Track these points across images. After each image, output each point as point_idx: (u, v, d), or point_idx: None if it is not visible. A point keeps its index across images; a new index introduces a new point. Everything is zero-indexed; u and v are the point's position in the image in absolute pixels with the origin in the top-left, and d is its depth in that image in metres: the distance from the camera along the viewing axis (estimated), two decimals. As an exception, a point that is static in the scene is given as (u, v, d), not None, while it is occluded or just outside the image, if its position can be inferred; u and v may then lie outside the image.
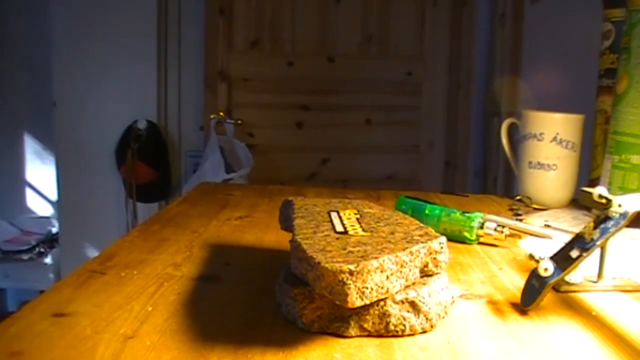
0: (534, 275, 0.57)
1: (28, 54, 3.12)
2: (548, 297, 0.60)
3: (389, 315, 0.50)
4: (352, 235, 0.54)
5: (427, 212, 0.87)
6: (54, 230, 3.05)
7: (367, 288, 0.46)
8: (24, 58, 3.13)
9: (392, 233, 0.55)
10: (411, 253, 0.50)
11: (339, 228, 0.57)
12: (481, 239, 0.83)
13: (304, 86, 2.74)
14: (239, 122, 2.65)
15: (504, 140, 1.17)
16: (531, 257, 0.74)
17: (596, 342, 0.50)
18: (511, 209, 1.06)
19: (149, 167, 2.70)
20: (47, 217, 3.20)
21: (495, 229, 0.81)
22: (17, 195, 3.31)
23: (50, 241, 3.02)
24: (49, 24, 2.73)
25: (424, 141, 2.86)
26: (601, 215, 0.58)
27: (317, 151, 2.77)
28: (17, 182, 3.29)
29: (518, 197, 1.11)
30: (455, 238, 0.83)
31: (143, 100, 2.75)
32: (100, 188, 2.76)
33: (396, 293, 0.50)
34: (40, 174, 3.25)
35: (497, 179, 2.65)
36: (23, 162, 3.28)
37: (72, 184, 2.76)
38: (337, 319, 0.50)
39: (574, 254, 0.57)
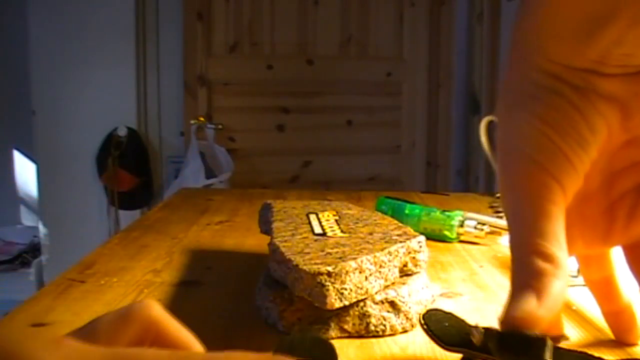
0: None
1: (6, 62, 3.09)
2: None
3: (369, 316, 0.50)
4: (330, 237, 0.54)
5: (407, 211, 0.87)
6: (38, 239, 3.03)
7: (346, 289, 0.46)
8: (2, 66, 3.11)
9: (371, 233, 0.55)
10: (390, 253, 0.50)
11: (318, 230, 0.57)
12: (461, 237, 0.83)
13: (284, 89, 2.74)
14: (220, 126, 2.65)
15: (484, 139, 1.17)
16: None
17: (577, 337, 0.50)
18: (492, 207, 1.06)
19: (130, 174, 2.69)
20: (33, 227, 3.18)
21: (475, 227, 0.82)
22: (4, 205, 3.28)
23: (34, 251, 3.00)
24: (26, 31, 2.71)
25: (405, 142, 2.86)
26: None
27: (298, 154, 2.77)
28: (3, 193, 3.27)
29: (498, 195, 1.11)
30: (435, 237, 0.83)
31: (123, 107, 2.73)
32: (82, 196, 2.74)
33: (376, 293, 0.50)
34: (27, 183, 3.23)
35: (479, 178, 2.66)
36: (11, 173, 3.26)
37: (53, 192, 2.74)
38: (317, 321, 0.49)
39: None
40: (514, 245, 0.37)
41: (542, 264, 0.34)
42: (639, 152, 0.39)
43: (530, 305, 0.34)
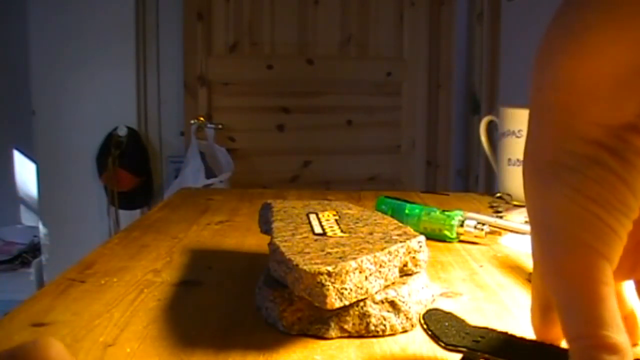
0: None
1: (6, 62, 3.09)
2: (527, 291, 0.60)
3: (369, 316, 0.50)
4: (330, 237, 0.54)
5: (407, 211, 0.87)
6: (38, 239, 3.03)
7: (346, 289, 0.46)
8: (1, 67, 3.11)
9: (371, 233, 0.55)
10: (390, 253, 0.50)
11: (318, 230, 0.57)
12: (461, 237, 0.83)
13: (284, 89, 2.74)
14: (220, 126, 2.65)
15: (483, 138, 1.18)
16: None
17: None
18: (491, 207, 1.06)
19: (130, 174, 2.69)
20: (33, 227, 3.18)
21: (475, 227, 0.82)
22: (4, 205, 3.28)
23: (34, 250, 3.00)
24: (26, 31, 2.71)
25: (405, 141, 2.86)
26: None
27: (298, 154, 2.77)
28: (3, 193, 3.27)
29: (498, 195, 1.12)
30: (435, 237, 0.83)
31: (123, 107, 2.73)
32: (82, 196, 2.74)
33: (376, 293, 0.50)
34: (27, 184, 3.23)
35: (479, 177, 2.67)
36: (11, 173, 3.25)
37: (53, 192, 2.74)
38: (317, 321, 0.49)
39: None
40: (571, 336, 0.35)
41: (610, 357, 0.33)
42: None
43: None
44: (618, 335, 0.33)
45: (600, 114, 0.33)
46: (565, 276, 0.34)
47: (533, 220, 0.37)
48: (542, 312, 0.42)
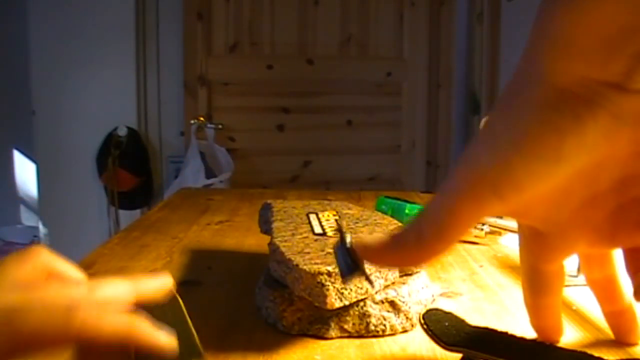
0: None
1: (6, 62, 3.09)
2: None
3: (369, 316, 0.50)
4: (330, 237, 0.54)
5: (407, 211, 0.87)
6: (38, 239, 3.03)
7: (346, 289, 0.46)
8: (1, 67, 3.11)
9: (371, 233, 0.55)
10: (390, 253, 0.50)
11: (318, 230, 0.57)
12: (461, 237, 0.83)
13: (284, 89, 2.74)
14: (220, 126, 2.65)
15: (483, 138, 1.17)
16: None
17: (577, 337, 0.50)
18: (491, 207, 1.06)
19: (131, 174, 2.68)
20: (33, 227, 3.17)
21: (475, 227, 0.82)
22: (4, 205, 3.28)
23: (33, 251, 2.99)
24: (26, 31, 2.71)
25: (405, 141, 2.86)
26: None
27: (298, 154, 2.77)
28: (3, 193, 3.27)
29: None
30: (435, 237, 0.83)
31: (123, 107, 2.73)
32: (82, 196, 2.74)
33: (376, 293, 0.50)
34: (27, 184, 3.23)
35: (479, 177, 2.66)
36: (11, 173, 3.25)
37: (53, 192, 2.74)
38: (317, 321, 0.49)
39: None
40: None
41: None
42: None
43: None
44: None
45: (588, 67, 0.34)
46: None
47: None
48: (532, 293, 0.45)
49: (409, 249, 0.38)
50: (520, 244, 0.44)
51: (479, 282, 0.65)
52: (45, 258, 0.40)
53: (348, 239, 0.40)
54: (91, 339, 0.34)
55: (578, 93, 0.34)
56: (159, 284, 0.41)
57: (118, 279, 0.38)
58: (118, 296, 0.38)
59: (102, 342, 0.34)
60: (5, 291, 0.35)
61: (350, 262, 0.39)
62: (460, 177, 0.37)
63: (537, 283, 0.44)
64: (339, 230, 0.42)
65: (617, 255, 0.44)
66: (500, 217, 0.94)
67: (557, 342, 0.47)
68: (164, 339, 0.36)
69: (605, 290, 0.46)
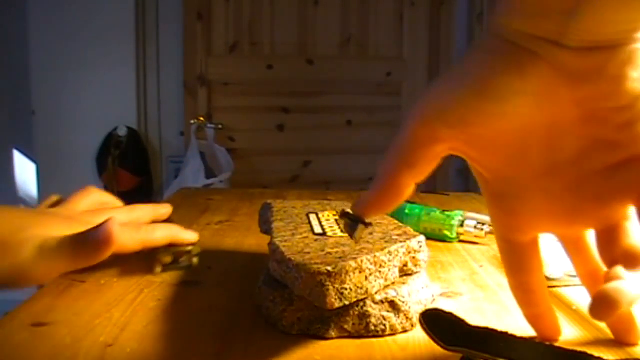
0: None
1: (6, 62, 3.09)
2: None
3: (369, 316, 0.50)
4: (330, 237, 0.54)
5: (407, 211, 0.87)
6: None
7: (346, 289, 0.46)
8: (1, 67, 3.10)
9: (371, 233, 0.55)
10: (390, 253, 0.50)
11: (318, 230, 0.57)
12: (461, 237, 0.83)
13: (284, 89, 2.74)
14: (220, 126, 2.65)
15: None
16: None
17: (577, 337, 0.50)
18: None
19: (131, 174, 2.69)
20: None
21: (475, 227, 0.82)
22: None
23: (33, 251, 2.99)
24: (25, 31, 2.71)
25: (405, 141, 2.86)
26: None
27: (298, 154, 2.77)
28: (3, 193, 3.26)
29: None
30: (435, 237, 0.83)
31: (123, 107, 2.73)
32: (81, 196, 2.73)
33: (376, 293, 0.50)
34: (27, 184, 3.22)
35: (479, 177, 2.66)
36: (11, 173, 3.25)
37: (53, 192, 2.73)
38: (317, 321, 0.49)
39: None
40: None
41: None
42: (601, 130, 0.39)
43: None
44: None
45: (526, 24, 0.37)
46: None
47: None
48: (510, 270, 0.47)
49: (385, 183, 0.42)
50: (490, 215, 0.46)
51: (479, 282, 0.65)
52: (96, 193, 0.74)
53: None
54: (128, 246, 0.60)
55: (521, 45, 0.37)
56: (166, 209, 0.75)
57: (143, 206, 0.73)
58: (145, 214, 0.71)
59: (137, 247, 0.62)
60: (71, 220, 0.61)
61: (352, 222, 0.44)
62: (416, 106, 0.42)
63: (512, 257, 0.46)
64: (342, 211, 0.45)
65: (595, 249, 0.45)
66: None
67: (555, 339, 0.47)
68: (189, 235, 0.68)
69: (597, 287, 0.46)
